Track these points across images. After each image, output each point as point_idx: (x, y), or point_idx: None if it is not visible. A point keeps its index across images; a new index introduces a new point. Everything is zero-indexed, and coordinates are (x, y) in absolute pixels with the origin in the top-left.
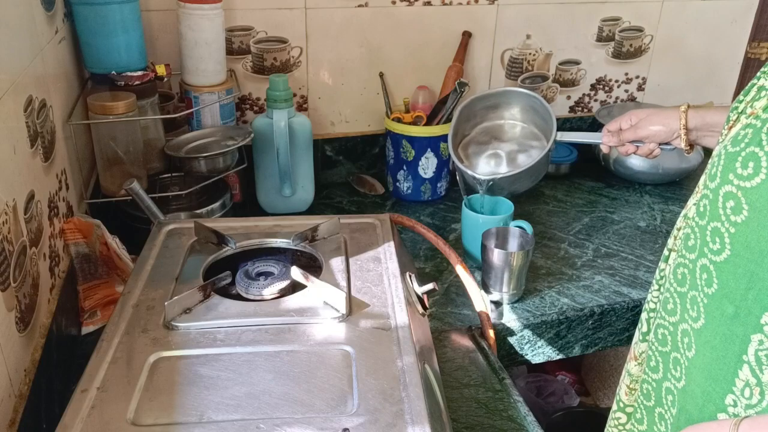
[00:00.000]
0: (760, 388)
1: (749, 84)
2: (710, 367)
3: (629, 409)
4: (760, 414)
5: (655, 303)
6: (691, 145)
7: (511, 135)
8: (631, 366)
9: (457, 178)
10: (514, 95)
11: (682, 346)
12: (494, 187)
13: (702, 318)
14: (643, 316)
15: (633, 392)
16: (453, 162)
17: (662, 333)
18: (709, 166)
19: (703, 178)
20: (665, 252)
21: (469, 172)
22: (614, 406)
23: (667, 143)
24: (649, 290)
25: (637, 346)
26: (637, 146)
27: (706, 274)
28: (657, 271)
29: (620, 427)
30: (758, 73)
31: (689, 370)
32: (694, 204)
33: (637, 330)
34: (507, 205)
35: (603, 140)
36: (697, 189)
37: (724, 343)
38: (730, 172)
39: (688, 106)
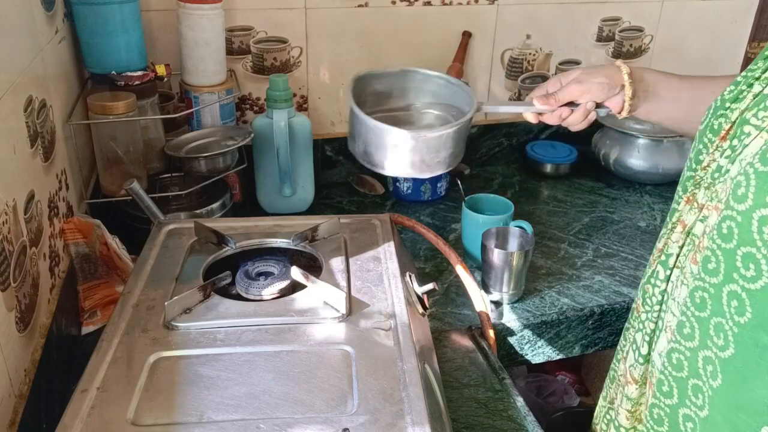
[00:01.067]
0: None
1: (735, 90)
2: (740, 398)
3: None
4: None
5: (654, 322)
6: (629, 109)
7: (425, 124)
8: (629, 390)
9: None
10: (416, 78)
11: (704, 374)
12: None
13: (731, 347)
14: (637, 336)
15: (634, 416)
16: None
17: (677, 358)
18: (732, 185)
19: (702, 193)
20: (657, 268)
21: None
22: (609, 429)
23: (601, 106)
24: (637, 307)
25: (634, 369)
26: (572, 110)
27: (736, 301)
28: (649, 289)
29: None
30: (742, 78)
31: (713, 399)
32: (714, 225)
33: (628, 350)
34: (507, 205)
35: (535, 107)
36: (691, 201)
37: (757, 374)
38: (767, 195)
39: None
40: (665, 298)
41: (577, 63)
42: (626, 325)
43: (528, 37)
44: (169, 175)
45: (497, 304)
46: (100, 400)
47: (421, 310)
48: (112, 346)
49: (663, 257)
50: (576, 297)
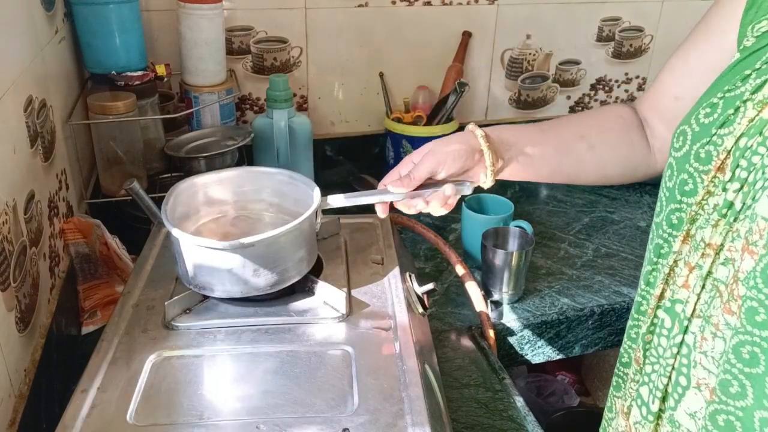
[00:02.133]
0: None
1: (717, 114)
2: None
3: None
4: None
5: (667, 377)
6: (494, 176)
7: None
8: None
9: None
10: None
11: None
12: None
13: None
14: (642, 390)
15: None
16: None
17: (724, 419)
18: (760, 223)
19: (710, 232)
20: (661, 317)
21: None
22: None
23: (460, 181)
24: (637, 359)
25: (642, 426)
26: (427, 200)
27: None
28: (654, 339)
29: None
30: (718, 99)
31: None
32: (757, 272)
33: (630, 405)
34: (507, 205)
35: (388, 193)
36: (687, 239)
37: None
38: None
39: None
40: (687, 351)
41: (577, 63)
42: (619, 372)
43: (528, 37)
44: (169, 175)
45: (497, 304)
46: (100, 400)
47: (421, 310)
48: (112, 346)
49: (668, 304)
50: (576, 297)
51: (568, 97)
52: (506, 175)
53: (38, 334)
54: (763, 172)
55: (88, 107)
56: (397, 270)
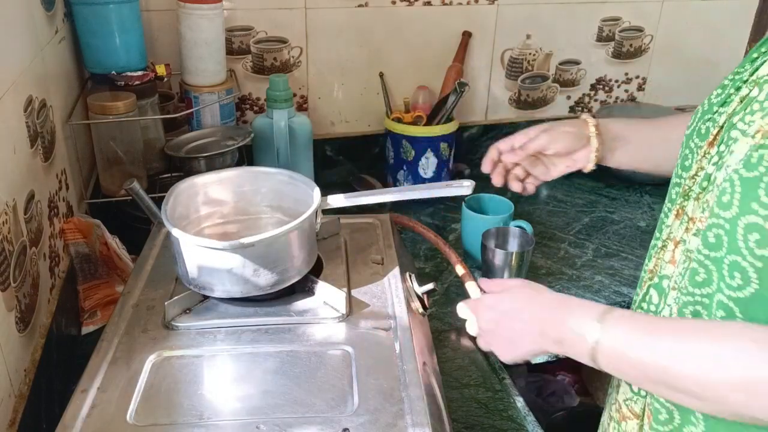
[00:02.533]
0: None
1: (723, 93)
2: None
3: None
4: None
5: None
6: (596, 160)
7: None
8: (630, 426)
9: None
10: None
11: None
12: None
13: None
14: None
15: None
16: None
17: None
18: (718, 192)
19: (692, 205)
20: (650, 292)
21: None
22: None
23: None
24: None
25: (633, 402)
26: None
27: (722, 311)
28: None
29: None
30: (729, 81)
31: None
32: (702, 234)
33: (616, 382)
34: (507, 205)
35: (490, 165)
36: (680, 214)
37: None
38: (753, 201)
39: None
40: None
41: (577, 63)
42: None
43: (528, 37)
44: (169, 175)
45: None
46: (100, 400)
47: (421, 310)
48: (112, 346)
49: (656, 280)
50: (576, 297)
51: (568, 97)
52: (611, 160)
53: (38, 334)
54: (734, 145)
55: (88, 107)
56: (397, 270)
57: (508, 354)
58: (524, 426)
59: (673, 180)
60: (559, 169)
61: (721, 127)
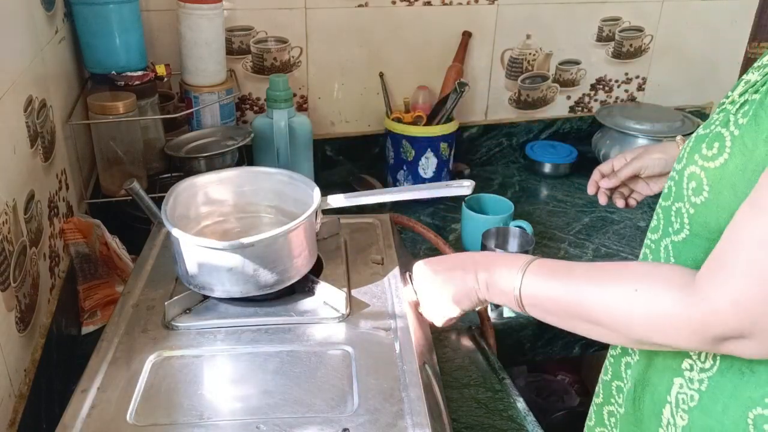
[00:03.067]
0: (712, 354)
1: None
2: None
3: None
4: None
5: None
6: None
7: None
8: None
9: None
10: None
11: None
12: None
13: None
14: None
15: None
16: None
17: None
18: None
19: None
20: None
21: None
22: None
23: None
24: None
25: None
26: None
27: (665, 253)
28: None
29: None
30: (748, 69)
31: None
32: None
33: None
34: (507, 205)
35: (594, 187)
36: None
37: None
38: (696, 153)
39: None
40: None
41: (577, 63)
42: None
43: (528, 37)
44: (169, 175)
45: (497, 304)
46: (100, 400)
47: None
48: (112, 346)
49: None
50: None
51: (568, 97)
52: None
53: (38, 334)
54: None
55: (88, 107)
56: (397, 270)
57: (445, 303)
58: (524, 426)
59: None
60: (659, 185)
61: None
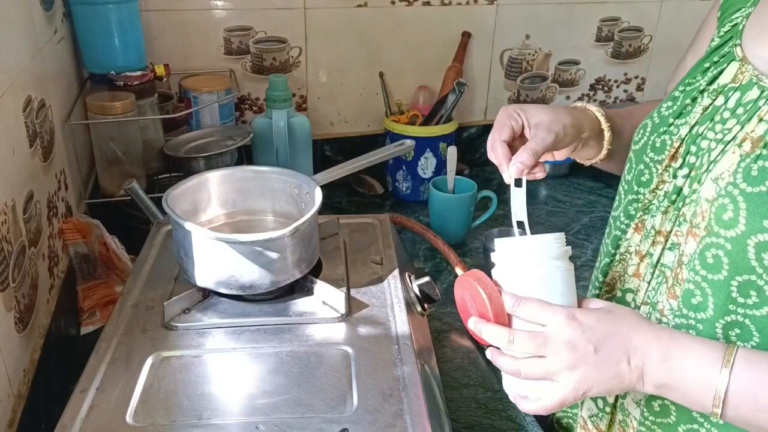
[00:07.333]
0: None
1: (675, 105)
2: None
3: None
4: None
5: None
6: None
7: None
8: None
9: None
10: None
11: (698, 417)
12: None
13: None
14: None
15: None
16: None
17: (660, 404)
18: (714, 209)
19: (660, 219)
20: (627, 301)
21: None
22: None
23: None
24: None
25: (599, 419)
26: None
27: (738, 329)
28: None
29: None
30: (679, 93)
31: None
32: (695, 255)
33: (586, 402)
34: (470, 185)
35: (515, 169)
36: (640, 228)
37: None
38: (764, 219)
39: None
40: None
41: (576, 63)
42: None
43: (527, 37)
44: (169, 175)
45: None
46: (99, 401)
47: (420, 309)
48: (111, 347)
49: (619, 294)
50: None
51: (568, 98)
52: (577, 156)
53: (37, 334)
54: (708, 155)
55: (87, 107)
56: (396, 270)
57: (571, 390)
58: (524, 426)
59: (628, 197)
60: (563, 154)
61: (683, 139)
